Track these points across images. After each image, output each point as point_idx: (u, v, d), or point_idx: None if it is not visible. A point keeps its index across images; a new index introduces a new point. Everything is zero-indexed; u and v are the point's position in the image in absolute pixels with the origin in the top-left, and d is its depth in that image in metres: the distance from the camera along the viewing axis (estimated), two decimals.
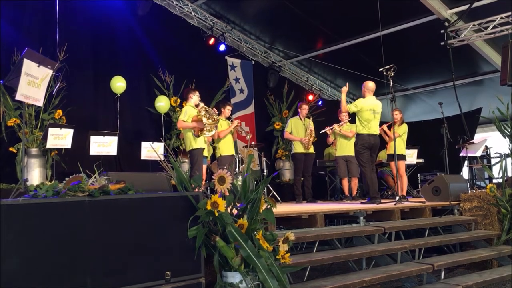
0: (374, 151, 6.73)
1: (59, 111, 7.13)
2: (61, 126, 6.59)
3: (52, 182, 2.82)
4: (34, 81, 4.94)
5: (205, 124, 6.45)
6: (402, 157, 7.77)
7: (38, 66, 4.96)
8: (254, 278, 3.07)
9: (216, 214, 3.08)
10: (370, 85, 6.73)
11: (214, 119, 6.60)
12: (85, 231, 2.72)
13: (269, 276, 3.03)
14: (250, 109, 10.75)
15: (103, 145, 7.03)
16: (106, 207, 2.84)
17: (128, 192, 3.03)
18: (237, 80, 10.64)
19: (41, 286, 2.49)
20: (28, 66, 4.84)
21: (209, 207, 3.08)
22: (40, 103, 5.33)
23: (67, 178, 2.86)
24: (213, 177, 3.33)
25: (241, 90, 10.69)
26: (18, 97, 4.84)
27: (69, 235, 2.65)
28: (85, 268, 2.68)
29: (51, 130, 6.36)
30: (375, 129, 6.61)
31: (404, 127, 7.82)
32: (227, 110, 7.53)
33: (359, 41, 10.01)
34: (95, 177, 2.94)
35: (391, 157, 7.37)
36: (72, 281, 2.62)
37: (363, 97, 6.74)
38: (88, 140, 6.92)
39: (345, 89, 6.81)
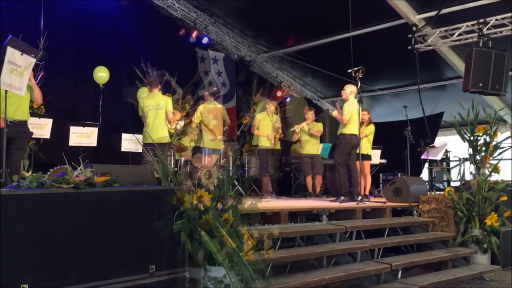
0: (355, 150, 6.84)
1: None
2: (40, 116, 6.40)
3: (36, 173, 2.78)
4: (17, 70, 4.78)
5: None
6: (368, 157, 7.91)
7: (22, 55, 4.80)
8: (238, 273, 3.13)
9: (202, 208, 3.10)
10: (354, 88, 6.84)
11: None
12: (70, 224, 2.69)
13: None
14: (232, 103, 10.67)
15: (83, 135, 6.89)
16: (91, 200, 2.81)
17: (114, 185, 3.00)
18: (219, 73, 10.56)
19: (23, 277, 2.46)
20: (12, 54, 4.67)
21: (195, 201, 3.08)
22: (23, 92, 5.17)
23: (51, 169, 2.80)
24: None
25: (223, 84, 10.62)
26: (1, 85, 4.68)
27: (53, 227, 2.62)
28: (69, 260, 2.65)
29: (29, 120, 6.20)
30: (357, 129, 6.69)
31: (371, 128, 7.95)
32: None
33: (329, 41, 10.09)
34: (80, 169, 2.89)
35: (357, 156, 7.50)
36: (56, 273, 2.59)
37: (347, 100, 6.86)
38: (68, 131, 6.76)
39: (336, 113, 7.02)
